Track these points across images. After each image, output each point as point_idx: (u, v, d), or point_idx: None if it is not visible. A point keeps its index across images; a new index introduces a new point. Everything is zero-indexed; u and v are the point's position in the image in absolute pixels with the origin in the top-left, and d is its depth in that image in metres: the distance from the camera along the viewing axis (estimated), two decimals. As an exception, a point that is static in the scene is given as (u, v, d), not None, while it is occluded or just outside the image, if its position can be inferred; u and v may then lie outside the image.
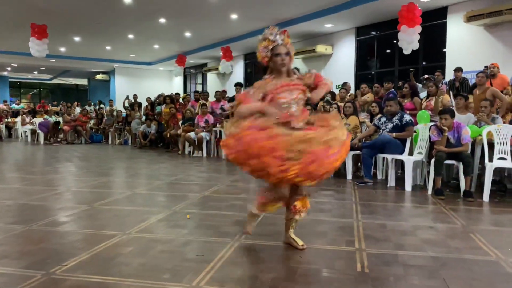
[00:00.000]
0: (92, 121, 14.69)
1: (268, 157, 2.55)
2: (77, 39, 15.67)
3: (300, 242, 3.05)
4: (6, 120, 16.43)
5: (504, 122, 5.69)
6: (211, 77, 20.29)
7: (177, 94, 13.75)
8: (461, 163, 5.10)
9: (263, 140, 2.58)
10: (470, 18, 8.88)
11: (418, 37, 8.99)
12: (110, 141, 13.87)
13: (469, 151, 5.23)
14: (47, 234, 3.38)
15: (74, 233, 3.42)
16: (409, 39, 8.95)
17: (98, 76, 25.25)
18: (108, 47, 17.62)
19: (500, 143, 5.10)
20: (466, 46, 9.55)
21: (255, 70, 17.44)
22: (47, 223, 3.68)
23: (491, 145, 5.16)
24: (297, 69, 3.06)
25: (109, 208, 4.34)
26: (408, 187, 5.52)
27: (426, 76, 8.48)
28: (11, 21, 12.65)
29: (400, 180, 5.86)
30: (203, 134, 9.75)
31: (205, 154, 9.79)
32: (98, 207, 4.36)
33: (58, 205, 4.47)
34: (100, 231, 3.44)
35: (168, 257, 2.86)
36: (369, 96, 8.03)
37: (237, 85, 10.41)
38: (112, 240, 3.17)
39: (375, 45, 12.30)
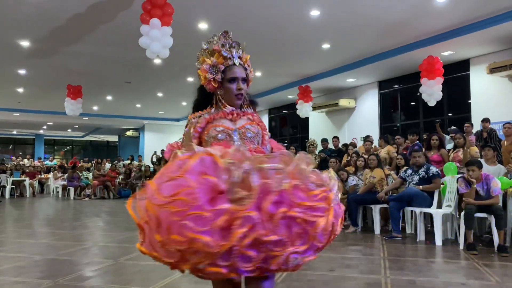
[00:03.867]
0: (120, 177, 15.03)
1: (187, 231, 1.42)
2: (109, 98, 16.44)
3: None
4: (39, 176, 17.01)
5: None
6: (236, 131, 20.63)
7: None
8: (492, 216, 4.94)
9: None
10: (493, 70, 8.91)
11: (440, 88, 9.03)
12: (137, 196, 14.06)
13: (500, 204, 5.07)
14: (73, 289, 3.42)
15: (99, 289, 3.44)
16: (429, 91, 9.01)
17: (128, 133, 26.11)
18: (138, 105, 18.35)
19: (533, 195, 4.94)
20: (490, 97, 9.51)
21: (280, 124, 17.73)
22: (73, 278, 3.72)
23: (523, 197, 5.01)
24: (254, 103, 2.14)
25: (134, 263, 4.36)
26: (438, 241, 5.34)
27: (453, 127, 8.44)
28: (50, 83, 13.45)
29: (430, 234, 5.69)
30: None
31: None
32: (124, 262, 4.39)
33: (85, 260, 4.53)
34: (124, 286, 3.45)
35: (191, 313, 2.83)
36: (389, 150, 7.99)
37: None
38: (136, 296, 3.17)
39: (398, 97, 12.40)
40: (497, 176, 5.52)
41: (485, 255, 4.69)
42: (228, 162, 1.53)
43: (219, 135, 1.93)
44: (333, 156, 8.51)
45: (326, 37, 9.03)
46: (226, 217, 1.43)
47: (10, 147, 32.13)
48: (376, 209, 6.34)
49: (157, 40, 6.64)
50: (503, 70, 8.75)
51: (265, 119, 18.06)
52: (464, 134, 7.40)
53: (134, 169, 15.22)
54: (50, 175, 16.85)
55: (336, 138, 10.11)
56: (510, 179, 5.48)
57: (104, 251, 5.06)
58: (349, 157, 8.28)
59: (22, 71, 11.97)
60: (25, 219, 8.41)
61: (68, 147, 35.48)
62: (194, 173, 1.50)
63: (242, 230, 1.42)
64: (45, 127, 25.98)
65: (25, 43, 9.31)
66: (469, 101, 10.10)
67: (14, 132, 29.21)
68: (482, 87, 9.72)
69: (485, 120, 8.02)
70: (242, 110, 2.05)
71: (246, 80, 2.03)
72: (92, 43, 9.31)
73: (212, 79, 1.98)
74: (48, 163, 21.68)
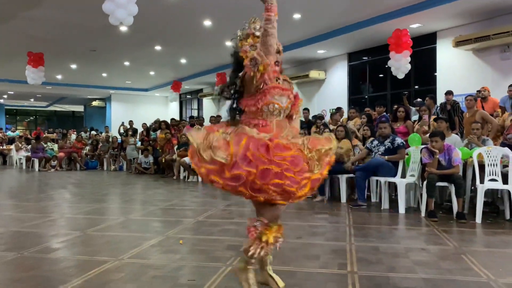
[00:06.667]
0: (87, 148, 14.71)
1: (285, 177, 2.21)
2: (73, 66, 15.86)
3: (281, 284, 2.59)
4: (0, 147, 16.41)
5: (494, 144, 5.78)
6: (206, 102, 20.47)
7: (173, 119, 13.83)
8: (453, 185, 5.15)
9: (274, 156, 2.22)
10: (458, 43, 9.11)
11: (407, 61, 9.16)
12: (105, 167, 13.87)
13: (460, 173, 5.28)
14: (38, 261, 3.37)
15: (66, 260, 3.41)
16: (397, 65, 9.14)
17: (94, 103, 25.43)
18: (104, 74, 17.81)
19: (491, 165, 5.16)
20: (456, 70, 9.75)
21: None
22: (39, 250, 3.67)
23: (482, 167, 5.22)
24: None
25: (102, 234, 4.33)
26: (402, 209, 5.54)
27: (419, 100, 8.64)
28: (9, 50, 12.83)
29: (394, 202, 5.90)
30: (198, 159, 9.78)
31: (200, 179, 9.79)
32: (91, 233, 4.35)
33: (51, 232, 4.46)
34: (92, 257, 3.43)
35: (160, 282, 2.85)
36: (356, 122, 8.13)
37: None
38: (104, 266, 3.17)
39: (367, 70, 12.53)
40: (453, 145, 5.72)
41: (445, 222, 4.91)
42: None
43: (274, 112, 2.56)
44: (304, 127, 8.59)
45: (298, 6, 8.93)
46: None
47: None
48: (343, 179, 6.49)
49: (122, 7, 6.40)
50: (468, 43, 8.96)
51: (235, 90, 17.93)
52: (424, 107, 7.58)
53: (102, 140, 14.90)
54: (12, 146, 16.29)
55: (306, 110, 10.17)
56: (470, 149, 5.70)
57: (71, 223, 4.99)
58: (317, 129, 8.38)
59: (-23, 37, 11.34)
60: (-13, 191, 8.16)
61: (31, 118, 34.25)
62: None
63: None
64: (5, 96, 24.91)
65: (-20, 7, 8.79)
66: (435, 74, 10.33)
67: (-28, 102, 27.93)
68: (448, 60, 9.94)
69: (448, 93, 8.23)
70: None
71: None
72: (54, 7, 8.87)
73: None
74: (10, 133, 20.90)
